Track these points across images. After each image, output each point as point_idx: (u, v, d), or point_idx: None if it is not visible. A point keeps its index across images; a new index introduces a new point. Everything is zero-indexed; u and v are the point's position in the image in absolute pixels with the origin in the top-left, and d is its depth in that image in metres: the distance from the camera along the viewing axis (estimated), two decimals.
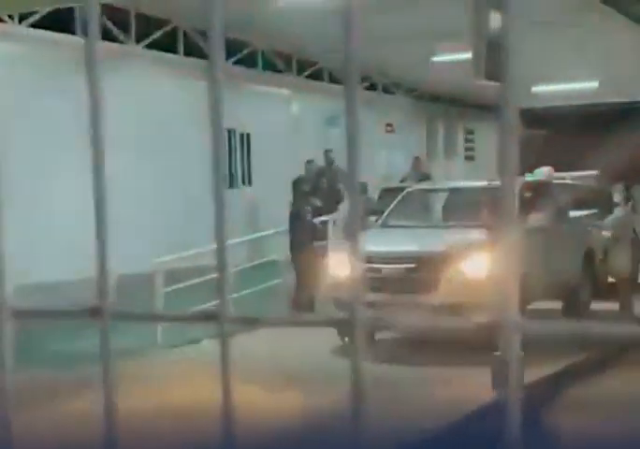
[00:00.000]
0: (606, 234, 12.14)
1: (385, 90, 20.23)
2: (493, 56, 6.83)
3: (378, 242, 10.31)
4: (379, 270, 9.74)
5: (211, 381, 1.00)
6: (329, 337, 9.41)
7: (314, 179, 13.74)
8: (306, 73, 17.46)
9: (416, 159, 17.46)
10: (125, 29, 13.27)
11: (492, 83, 7.11)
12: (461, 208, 11.14)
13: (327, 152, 15.20)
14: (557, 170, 14.96)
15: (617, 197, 12.94)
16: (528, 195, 11.07)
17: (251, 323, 1.02)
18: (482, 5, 6.65)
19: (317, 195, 13.12)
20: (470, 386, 7.75)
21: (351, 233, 0.95)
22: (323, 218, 12.84)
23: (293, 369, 8.88)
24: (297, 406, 7.80)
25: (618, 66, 16.73)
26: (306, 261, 12.10)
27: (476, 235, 9.47)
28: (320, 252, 11.92)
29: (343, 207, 12.72)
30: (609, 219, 12.45)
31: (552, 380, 8.45)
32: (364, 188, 12.98)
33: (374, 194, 14.33)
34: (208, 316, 0.98)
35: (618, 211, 12.64)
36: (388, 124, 20.32)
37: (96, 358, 1.03)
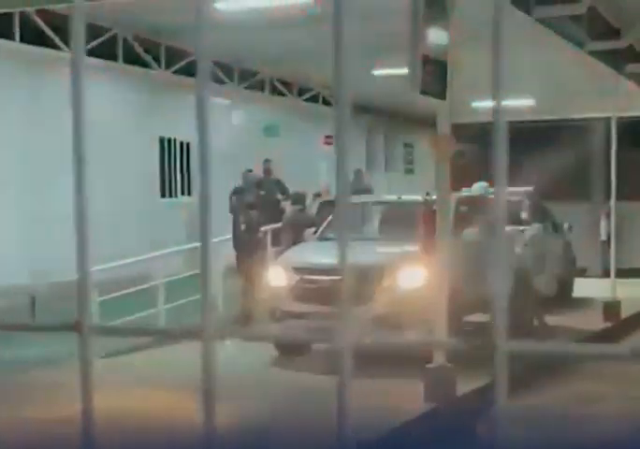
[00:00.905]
0: (518, 250, 12.31)
1: (326, 102, 20.33)
2: (429, 71, 6.93)
3: (315, 254, 10.38)
4: (315, 282, 9.81)
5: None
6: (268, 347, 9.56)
7: (253, 189, 13.74)
8: (246, 84, 17.47)
9: (358, 172, 17.52)
10: (65, 35, 13.14)
11: (428, 98, 7.22)
12: (398, 221, 11.25)
13: (265, 162, 15.18)
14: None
15: (524, 215, 13.16)
16: (463, 209, 11.22)
17: (113, 333, 1.02)
18: (419, 19, 6.75)
19: (255, 205, 13.13)
20: (401, 397, 7.82)
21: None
22: (263, 228, 12.84)
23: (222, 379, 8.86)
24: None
25: (553, 84, 17.08)
26: (249, 271, 12.12)
27: (412, 248, 9.59)
28: (261, 262, 11.95)
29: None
30: (526, 236, 12.64)
31: (485, 391, 8.55)
32: (302, 199, 13.01)
33: (313, 206, 14.39)
34: (68, 327, 0.97)
35: (532, 229, 12.88)
36: (328, 136, 20.42)
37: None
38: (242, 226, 12.61)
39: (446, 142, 7.97)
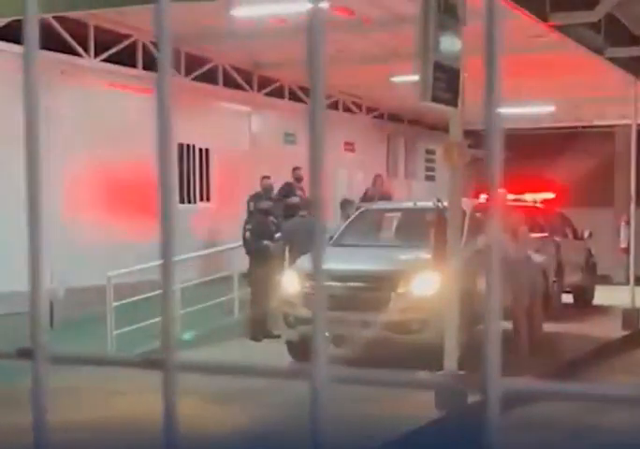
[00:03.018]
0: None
1: (346, 108, 20.33)
2: (440, 78, 6.92)
3: (330, 261, 10.37)
4: (329, 288, 9.82)
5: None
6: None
7: (269, 195, 13.75)
8: (266, 90, 17.52)
9: (378, 177, 17.35)
10: (84, 42, 13.24)
11: (439, 105, 7.21)
12: (414, 227, 11.24)
13: (295, 170, 15.11)
14: (516, 192, 15.15)
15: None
16: (479, 216, 11.19)
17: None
18: (429, 27, 6.75)
19: (271, 211, 13.14)
20: (412, 405, 7.81)
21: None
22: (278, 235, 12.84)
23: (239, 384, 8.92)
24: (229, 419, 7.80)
25: (573, 91, 16.99)
26: (262, 277, 12.13)
27: (427, 254, 9.58)
28: (278, 268, 11.94)
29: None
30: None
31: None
32: (309, 205, 12.91)
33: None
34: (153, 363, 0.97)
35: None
36: (348, 143, 20.40)
37: None
38: (247, 234, 12.63)
39: (459, 149, 7.95)
